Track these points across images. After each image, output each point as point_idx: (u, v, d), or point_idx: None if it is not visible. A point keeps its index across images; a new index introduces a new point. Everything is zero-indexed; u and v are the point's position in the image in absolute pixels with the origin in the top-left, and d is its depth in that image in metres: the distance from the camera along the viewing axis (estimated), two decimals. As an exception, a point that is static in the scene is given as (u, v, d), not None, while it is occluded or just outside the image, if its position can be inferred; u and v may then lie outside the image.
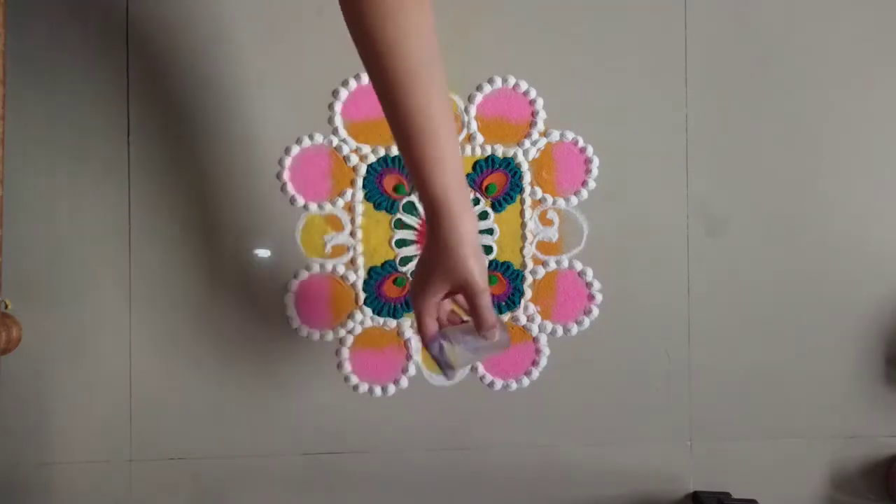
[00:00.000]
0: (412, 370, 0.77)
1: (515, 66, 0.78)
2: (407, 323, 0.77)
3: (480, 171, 0.77)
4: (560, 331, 0.77)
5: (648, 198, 0.78)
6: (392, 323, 0.77)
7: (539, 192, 0.77)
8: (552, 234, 0.78)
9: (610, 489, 0.78)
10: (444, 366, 0.61)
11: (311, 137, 0.76)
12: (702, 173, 0.79)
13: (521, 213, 0.77)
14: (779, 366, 0.79)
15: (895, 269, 0.80)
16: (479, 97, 0.77)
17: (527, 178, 0.78)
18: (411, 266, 0.77)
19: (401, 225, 0.77)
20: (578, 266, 0.77)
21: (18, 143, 0.73)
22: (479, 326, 0.59)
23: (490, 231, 0.77)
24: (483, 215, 0.77)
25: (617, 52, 0.78)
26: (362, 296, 0.76)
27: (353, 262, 0.76)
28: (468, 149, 0.77)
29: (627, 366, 0.78)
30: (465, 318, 0.63)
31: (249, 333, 0.75)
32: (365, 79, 0.76)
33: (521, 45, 0.78)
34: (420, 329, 0.60)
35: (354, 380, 0.76)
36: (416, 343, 0.77)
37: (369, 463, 0.76)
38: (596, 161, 0.78)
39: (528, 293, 0.77)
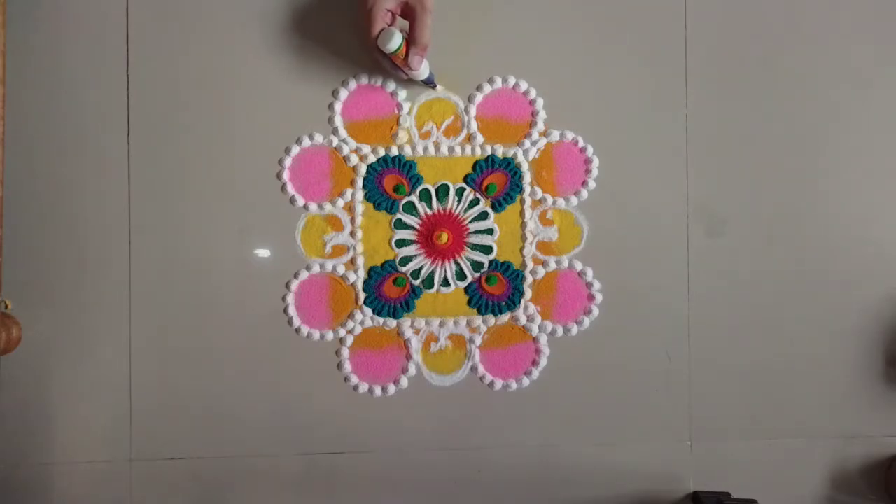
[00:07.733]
0: (412, 370, 0.76)
1: (515, 66, 0.78)
2: (407, 323, 0.77)
3: (480, 171, 0.77)
4: (560, 331, 0.77)
5: (648, 198, 0.78)
6: (392, 323, 0.77)
7: (539, 192, 0.77)
8: (552, 234, 0.78)
9: (610, 489, 0.78)
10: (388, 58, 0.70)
11: (311, 137, 0.76)
12: (702, 173, 0.79)
13: (521, 213, 0.77)
14: (779, 366, 0.79)
15: (895, 269, 0.80)
16: (479, 97, 0.77)
17: (527, 178, 0.77)
18: (412, 266, 0.77)
19: (401, 225, 0.77)
20: (578, 266, 0.77)
21: (18, 143, 0.73)
22: (413, 42, 0.68)
23: (490, 231, 0.77)
24: (483, 215, 0.77)
25: (617, 53, 0.79)
26: (362, 296, 0.76)
27: (353, 262, 0.76)
28: (468, 149, 0.77)
29: (627, 366, 0.78)
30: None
31: (249, 333, 0.75)
32: (365, 79, 0.76)
33: (521, 45, 0.78)
34: (369, 25, 0.68)
35: (354, 380, 0.76)
36: (416, 343, 0.77)
37: (369, 463, 0.76)
38: (596, 161, 0.78)
39: (528, 293, 0.77)
